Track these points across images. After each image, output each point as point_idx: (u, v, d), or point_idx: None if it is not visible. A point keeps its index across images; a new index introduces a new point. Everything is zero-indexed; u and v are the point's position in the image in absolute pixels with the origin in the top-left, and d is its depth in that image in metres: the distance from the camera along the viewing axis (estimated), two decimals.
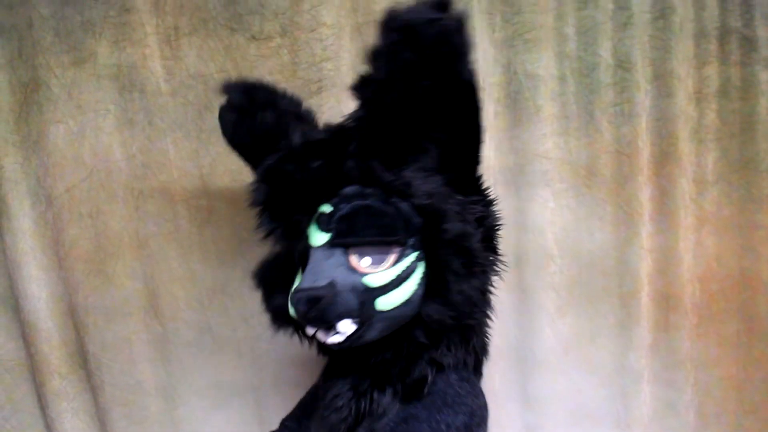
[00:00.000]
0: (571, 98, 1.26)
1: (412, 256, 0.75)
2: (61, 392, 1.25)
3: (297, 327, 0.86)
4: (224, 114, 0.92)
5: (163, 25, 1.19)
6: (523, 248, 1.29)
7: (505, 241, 1.27)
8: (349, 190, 0.75)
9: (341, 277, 0.73)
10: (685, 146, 1.28)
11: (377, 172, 0.74)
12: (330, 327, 0.73)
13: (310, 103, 1.17)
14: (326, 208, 0.76)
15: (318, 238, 0.76)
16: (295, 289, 0.74)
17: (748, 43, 1.26)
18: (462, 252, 0.73)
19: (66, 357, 1.25)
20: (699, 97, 1.28)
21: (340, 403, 0.79)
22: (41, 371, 1.24)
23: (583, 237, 1.29)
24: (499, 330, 1.29)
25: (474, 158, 0.79)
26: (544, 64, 1.24)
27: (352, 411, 0.78)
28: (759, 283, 1.31)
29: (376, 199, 0.74)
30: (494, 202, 0.84)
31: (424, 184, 0.73)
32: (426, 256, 0.75)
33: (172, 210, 1.25)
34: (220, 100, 0.92)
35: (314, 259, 0.76)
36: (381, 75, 0.71)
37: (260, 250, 0.91)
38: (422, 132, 0.74)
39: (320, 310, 0.70)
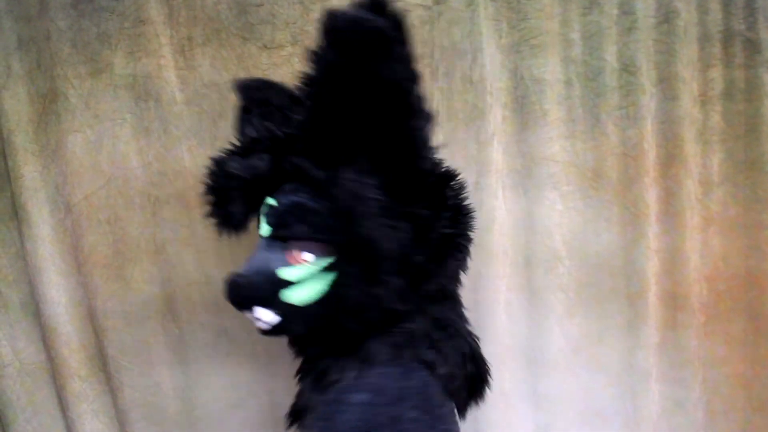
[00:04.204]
0: (577, 102, 1.28)
1: (329, 258, 0.77)
2: (81, 394, 1.28)
3: None
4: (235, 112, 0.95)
5: (177, 35, 1.22)
6: (532, 250, 1.31)
7: (514, 243, 1.30)
8: (288, 186, 0.79)
9: (263, 267, 0.78)
10: (691, 148, 1.29)
11: (308, 171, 0.76)
12: (248, 310, 0.78)
13: None
14: (271, 201, 0.80)
15: (264, 228, 0.80)
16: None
17: (752, 46, 1.26)
18: (369, 257, 0.73)
19: (85, 360, 1.28)
20: (704, 100, 1.29)
21: (307, 379, 0.86)
22: (61, 374, 1.27)
23: (590, 238, 1.31)
24: (509, 331, 1.32)
25: (411, 162, 0.75)
26: (550, 68, 1.26)
27: (314, 380, 0.83)
28: (765, 282, 1.31)
29: (309, 196, 0.76)
30: (460, 207, 0.81)
31: (351, 185, 0.71)
32: (338, 259, 0.76)
33: (188, 216, 1.27)
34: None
35: (257, 247, 0.81)
36: (316, 75, 0.73)
37: None
38: (355, 133, 0.73)
39: (235, 294, 0.78)
